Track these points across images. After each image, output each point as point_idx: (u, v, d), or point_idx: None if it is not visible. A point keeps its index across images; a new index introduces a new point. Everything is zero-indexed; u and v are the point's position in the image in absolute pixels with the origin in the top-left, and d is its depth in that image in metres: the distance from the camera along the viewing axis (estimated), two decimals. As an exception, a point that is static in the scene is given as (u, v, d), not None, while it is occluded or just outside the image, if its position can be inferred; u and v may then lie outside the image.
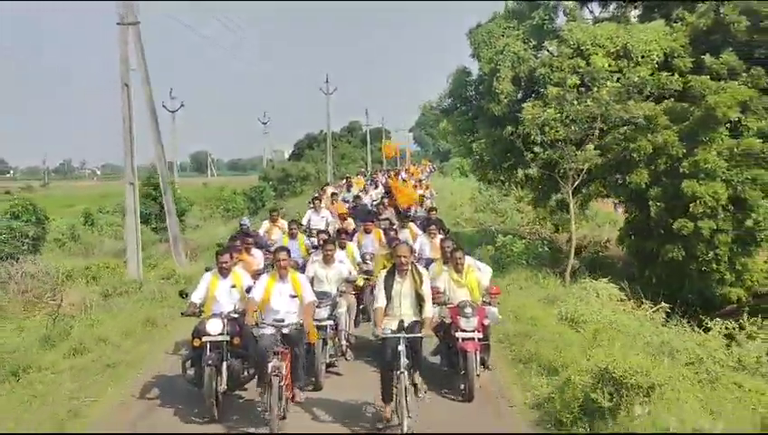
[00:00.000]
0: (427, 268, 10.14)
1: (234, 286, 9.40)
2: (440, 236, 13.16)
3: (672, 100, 17.14)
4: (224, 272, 9.47)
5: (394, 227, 16.17)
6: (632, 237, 18.04)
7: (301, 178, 54.84)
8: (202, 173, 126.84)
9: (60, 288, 16.12)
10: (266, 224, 16.69)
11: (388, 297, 8.28)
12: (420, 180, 34.96)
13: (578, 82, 16.38)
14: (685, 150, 16.44)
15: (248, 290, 9.26)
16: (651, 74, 16.87)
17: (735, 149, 16.29)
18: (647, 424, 7.04)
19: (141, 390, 10.02)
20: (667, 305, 14.24)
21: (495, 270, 16.87)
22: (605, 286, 15.32)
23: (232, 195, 43.92)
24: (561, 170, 16.92)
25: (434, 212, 18.15)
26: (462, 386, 9.27)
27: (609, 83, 15.97)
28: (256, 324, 8.42)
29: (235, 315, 9.13)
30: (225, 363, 8.85)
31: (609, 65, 16.75)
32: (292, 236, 14.42)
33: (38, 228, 22.35)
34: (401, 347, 7.86)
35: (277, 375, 8.03)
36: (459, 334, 9.33)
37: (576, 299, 14.12)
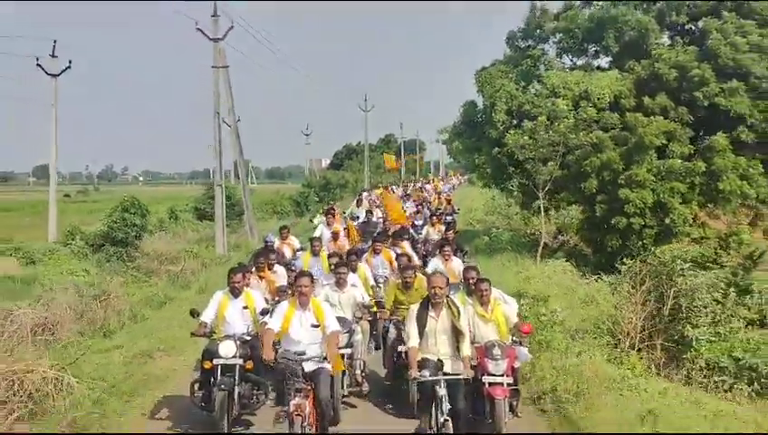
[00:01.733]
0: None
1: (245, 307, 9.22)
2: (457, 260, 13.04)
3: (616, 130, 23.72)
4: (235, 292, 9.28)
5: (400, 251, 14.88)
6: (585, 230, 24.65)
7: (340, 185, 61.75)
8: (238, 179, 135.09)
9: (179, 258, 23.32)
10: (276, 241, 16.38)
11: (422, 334, 7.78)
12: (440, 193, 37.85)
13: (545, 119, 22.98)
14: (623, 167, 23.02)
15: (263, 313, 9.11)
16: (598, 112, 23.51)
17: (661, 168, 22.86)
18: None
19: (153, 410, 9.98)
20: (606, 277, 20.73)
21: (487, 255, 23.82)
22: (561, 264, 21.91)
23: (280, 199, 51.16)
24: (535, 182, 23.64)
25: (450, 233, 18.26)
26: None
27: (566, 120, 22.62)
28: (275, 360, 7.84)
29: (248, 338, 8.99)
30: (237, 388, 8.67)
31: (568, 106, 23.36)
32: (314, 253, 13.80)
33: (143, 220, 29.51)
34: (442, 391, 7.43)
35: (299, 415, 7.41)
36: (486, 379, 8.51)
37: (540, 271, 20.74)
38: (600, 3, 26.75)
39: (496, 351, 8.53)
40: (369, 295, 11.30)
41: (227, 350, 8.71)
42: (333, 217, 18.50)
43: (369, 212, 23.18)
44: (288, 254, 15.59)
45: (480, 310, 8.99)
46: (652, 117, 23.26)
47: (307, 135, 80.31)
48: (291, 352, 7.88)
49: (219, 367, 8.68)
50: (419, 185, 41.44)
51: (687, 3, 25.77)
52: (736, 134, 23.09)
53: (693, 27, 26.25)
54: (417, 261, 14.53)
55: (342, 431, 8.36)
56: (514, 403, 8.95)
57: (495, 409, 8.23)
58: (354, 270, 11.75)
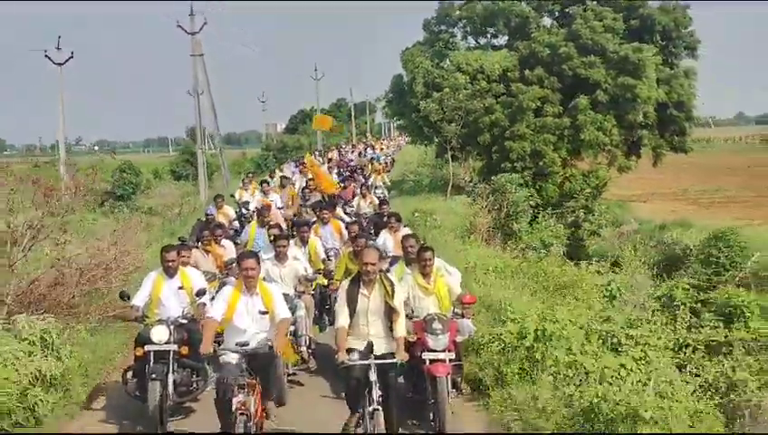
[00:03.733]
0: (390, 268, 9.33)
1: (181, 288, 8.81)
2: (404, 230, 12.63)
3: (503, 97, 31.66)
4: (170, 271, 8.84)
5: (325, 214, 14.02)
6: (484, 174, 32.66)
7: (296, 147, 69.03)
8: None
9: (173, 205, 30.91)
10: (212, 210, 16.10)
11: (352, 314, 7.17)
12: (372, 160, 37.58)
13: (449, 90, 30.76)
14: (508, 124, 31.00)
15: (199, 293, 8.71)
16: (489, 83, 31.40)
17: (537, 124, 30.90)
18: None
19: (87, 401, 9.60)
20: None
21: (410, 195, 31.65)
22: (462, 198, 29.83)
23: (244, 161, 58.63)
24: (445, 138, 31.49)
25: (386, 206, 16.86)
26: (432, 416, 8.04)
27: (465, 90, 30.49)
28: (215, 352, 7.24)
29: (184, 321, 8.55)
30: (171, 376, 8.24)
31: (467, 79, 31.18)
32: (261, 224, 13.45)
33: (137, 178, 36.81)
34: (373, 377, 6.92)
35: (244, 413, 6.87)
36: (427, 355, 7.99)
37: (444, 204, 28.62)
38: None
39: (436, 325, 8.07)
40: (321, 269, 11.04)
41: (160, 335, 8.31)
42: (268, 184, 19.83)
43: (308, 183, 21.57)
44: (224, 223, 15.12)
45: (421, 281, 8.50)
46: (531, 86, 31.24)
47: (263, 102, 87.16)
48: (233, 342, 7.29)
49: (152, 354, 8.27)
50: (369, 152, 42.65)
51: (560, -8, 33.73)
52: (594, 96, 31.14)
53: (564, 13, 34.11)
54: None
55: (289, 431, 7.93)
56: (458, 380, 8.65)
57: (438, 387, 7.74)
58: (305, 243, 11.56)
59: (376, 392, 6.91)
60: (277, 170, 27.10)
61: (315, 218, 14.62)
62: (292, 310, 8.99)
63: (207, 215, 15.35)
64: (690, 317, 10.75)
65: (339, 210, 15.87)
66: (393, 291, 7.28)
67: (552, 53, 31.63)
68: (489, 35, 35.27)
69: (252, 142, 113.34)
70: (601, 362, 8.47)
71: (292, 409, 8.51)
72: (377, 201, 19.18)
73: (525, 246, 19.98)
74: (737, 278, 17.70)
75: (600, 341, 9.40)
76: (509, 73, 32.16)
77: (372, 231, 14.83)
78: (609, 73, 31.11)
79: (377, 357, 7.04)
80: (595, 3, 32.68)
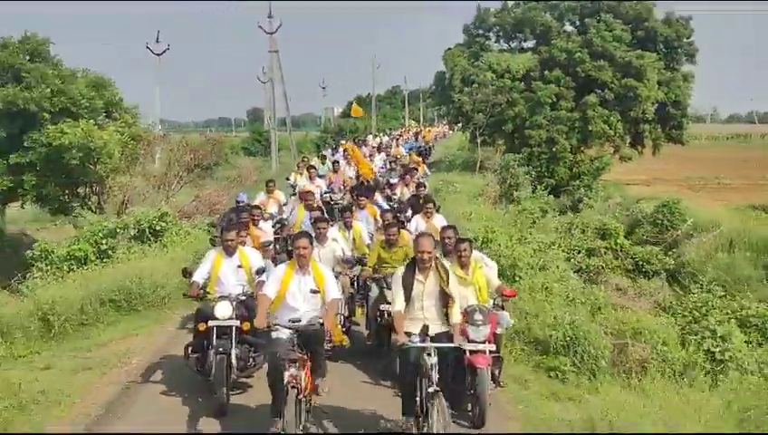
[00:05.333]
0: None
1: (240, 266, 9.05)
2: (439, 217, 12.99)
3: (525, 92, 38.40)
4: (229, 250, 9.09)
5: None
6: (506, 154, 39.44)
7: (351, 131, 76.40)
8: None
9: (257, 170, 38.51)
10: (262, 196, 16.27)
11: (408, 299, 7.32)
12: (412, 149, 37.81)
13: (478, 86, 37.68)
14: (528, 115, 37.79)
15: (258, 272, 8.94)
16: (512, 81, 38.17)
17: (552, 116, 37.59)
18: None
19: (144, 374, 9.83)
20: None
21: (444, 171, 38.57)
22: (487, 175, 36.70)
23: (305, 142, 66.29)
24: (475, 126, 38.41)
25: (422, 189, 17.08)
26: (470, 408, 8.22)
27: (490, 86, 37.36)
28: (269, 327, 7.40)
29: (243, 298, 8.80)
30: (233, 351, 8.44)
31: (494, 77, 38.00)
32: (308, 207, 13.45)
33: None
34: (433, 359, 6.96)
35: (295, 386, 7.12)
36: (467, 346, 7.81)
37: (470, 178, 35.53)
38: (520, 7, 41.14)
39: (478, 316, 8.14)
40: (365, 253, 11.21)
41: (223, 311, 8.54)
42: (316, 169, 20.07)
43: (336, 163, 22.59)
44: (274, 208, 15.51)
45: (459, 272, 8.53)
46: (549, 84, 37.95)
47: (323, 87, 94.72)
48: (285, 319, 7.49)
49: (215, 329, 8.50)
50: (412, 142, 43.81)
51: (579, 4, 40.23)
52: (602, 95, 37.77)
53: (582, 22, 40.63)
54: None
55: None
56: (497, 372, 8.81)
57: (478, 380, 7.82)
58: (349, 227, 11.78)
59: (435, 375, 6.89)
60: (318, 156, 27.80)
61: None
62: None
63: (238, 202, 15.22)
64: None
65: (378, 196, 16.06)
66: (448, 277, 7.35)
67: (568, 57, 38.29)
68: (518, 40, 41.91)
69: (308, 125, 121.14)
70: (518, 251, 15.25)
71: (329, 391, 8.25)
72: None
73: (524, 209, 26.82)
74: (675, 235, 24.47)
75: (524, 242, 16.33)
76: (531, 73, 38.89)
77: (410, 212, 14.89)
78: (616, 75, 37.68)
79: (432, 340, 7.10)
80: (609, 16, 39.07)
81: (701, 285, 14.80)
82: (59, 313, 12.00)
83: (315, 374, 7.75)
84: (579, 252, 16.22)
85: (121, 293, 13.01)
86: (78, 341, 11.84)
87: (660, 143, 40.44)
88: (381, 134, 47.21)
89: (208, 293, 8.90)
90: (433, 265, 7.34)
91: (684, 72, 40.42)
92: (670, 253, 20.59)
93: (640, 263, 18.55)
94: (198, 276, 9.00)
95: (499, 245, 15.49)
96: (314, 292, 7.65)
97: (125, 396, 9.24)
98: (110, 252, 15.31)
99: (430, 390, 6.91)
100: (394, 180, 21.15)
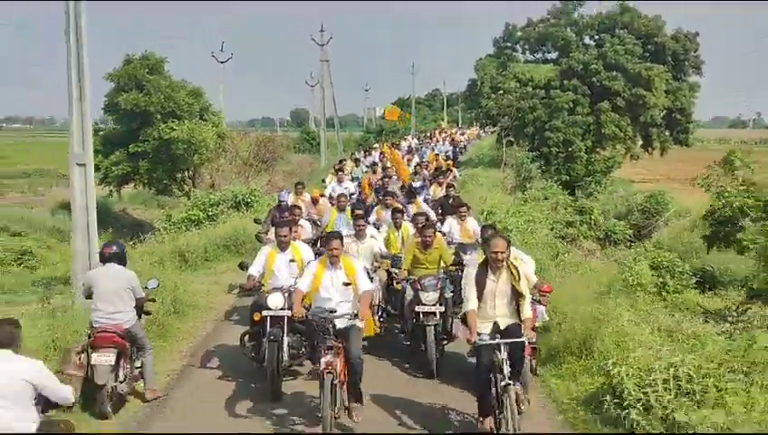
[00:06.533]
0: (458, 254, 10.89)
1: (292, 260, 9.59)
2: (471, 219, 13.61)
3: (545, 99, 43.93)
4: (283, 246, 9.68)
5: (399, 201, 14.95)
6: (531, 151, 44.95)
7: (392, 131, 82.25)
8: (299, 127, 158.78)
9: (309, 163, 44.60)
10: (291, 196, 16.47)
11: (480, 297, 7.70)
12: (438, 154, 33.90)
13: (503, 93, 43.38)
14: (547, 119, 43.33)
15: (309, 264, 9.08)
16: (534, 89, 43.73)
17: (569, 120, 43.07)
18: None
19: (202, 359, 10.87)
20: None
21: (472, 167, 44.27)
22: (508, 170, 42.30)
23: (348, 141, 72.35)
24: (501, 127, 44.03)
25: (452, 189, 18.16)
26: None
27: (513, 93, 43.00)
28: (305, 316, 8.12)
29: (294, 290, 8.83)
30: (285, 339, 9.07)
31: (517, 86, 43.64)
32: (340, 208, 14.22)
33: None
34: (503, 355, 7.45)
35: (330, 372, 7.64)
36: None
37: (495, 173, 41.17)
38: (544, 23, 46.71)
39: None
40: (399, 253, 11.72)
41: (276, 301, 9.18)
42: (343, 172, 21.04)
43: (386, 167, 22.99)
44: (304, 209, 15.44)
45: None
46: (567, 92, 43.44)
47: (367, 90, 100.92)
48: (322, 309, 8.06)
49: (268, 319, 9.18)
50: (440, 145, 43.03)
51: (597, 21, 45.66)
52: (615, 102, 43.20)
53: (600, 37, 46.03)
54: (434, 217, 14.57)
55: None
56: (534, 363, 9.62)
57: (523, 367, 8.21)
58: (398, 227, 12.32)
59: (507, 368, 7.35)
60: (349, 160, 28.25)
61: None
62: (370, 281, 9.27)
63: (281, 200, 15.60)
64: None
65: (420, 200, 16.32)
66: (519, 275, 7.69)
67: (585, 68, 43.81)
68: (541, 52, 47.57)
69: (351, 125, 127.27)
70: (512, 221, 20.79)
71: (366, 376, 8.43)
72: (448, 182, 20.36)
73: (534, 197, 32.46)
74: (661, 220, 30.00)
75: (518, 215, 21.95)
76: (552, 82, 44.44)
77: (440, 211, 15.75)
78: (627, 85, 43.06)
79: (503, 336, 7.54)
80: (623, 31, 44.47)
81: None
82: (191, 251, 18.04)
83: (351, 394, 8.18)
84: (559, 223, 21.93)
85: (231, 240, 19.06)
86: (205, 270, 17.88)
87: (668, 146, 45.80)
88: (411, 137, 51.85)
89: (263, 285, 9.58)
90: (505, 264, 7.73)
91: (690, 82, 45.68)
92: (643, 229, 26.26)
93: (609, 232, 24.35)
94: (254, 270, 9.64)
95: (497, 215, 21.19)
96: (347, 284, 8.22)
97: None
98: (214, 217, 21.43)
99: (503, 383, 7.37)
100: (417, 184, 20.93)
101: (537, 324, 9.32)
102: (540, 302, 9.58)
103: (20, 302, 14.74)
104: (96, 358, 8.38)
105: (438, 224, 13.79)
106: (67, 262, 17.09)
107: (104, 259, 9.10)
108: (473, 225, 13.20)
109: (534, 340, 9.07)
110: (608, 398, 8.14)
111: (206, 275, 17.27)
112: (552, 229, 21.70)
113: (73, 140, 12.68)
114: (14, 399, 5.92)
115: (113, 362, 8.42)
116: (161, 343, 11.21)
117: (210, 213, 21.50)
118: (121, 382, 8.79)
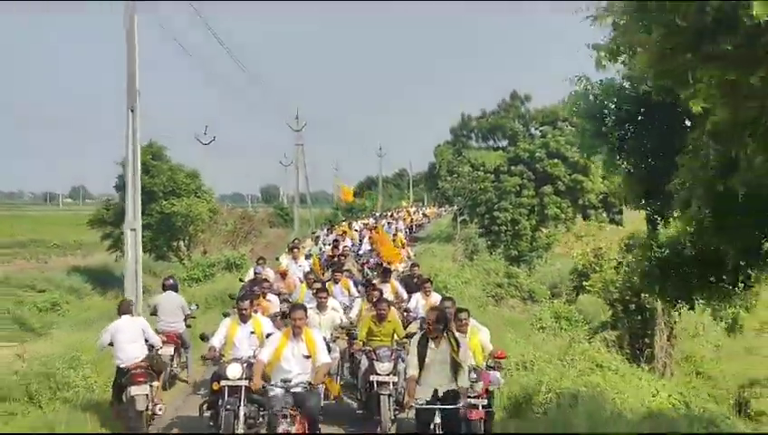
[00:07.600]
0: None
1: (253, 332, 10.11)
2: (436, 295, 14.17)
3: (495, 183, 49.84)
4: (243, 318, 10.23)
5: (373, 282, 15.37)
6: (482, 235, 50.50)
7: (361, 209, 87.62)
8: (269, 203, 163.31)
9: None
10: (259, 269, 17.25)
11: (422, 365, 8.14)
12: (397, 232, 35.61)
13: (457, 176, 49.39)
14: (496, 201, 49.16)
15: (269, 337, 9.57)
16: (484, 174, 49.74)
17: (516, 202, 48.97)
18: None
19: (165, 428, 11.32)
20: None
21: (428, 242, 49.80)
22: (458, 244, 47.81)
23: (320, 216, 77.77)
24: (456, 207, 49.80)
25: (416, 268, 18.54)
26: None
27: (466, 176, 48.98)
28: (263, 388, 8.46)
29: (254, 361, 9.26)
30: (242, 409, 9.39)
31: (470, 171, 49.64)
32: (309, 285, 14.66)
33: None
34: (437, 419, 7.95)
35: None
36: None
37: (448, 248, 46.72)
38: (495, 115, 53.13)
39: (473, 375, 9.12)
40: (352, 328, 12.38)
41: (234, 372, 9.55)
42: (298, 250, 21.13)
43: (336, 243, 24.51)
44: (272, 282, 16.34)
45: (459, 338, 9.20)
46: (514, 176, 49.44)
47: (336, 169, 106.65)
48: (278, 380, 8.47)
49: (226, 388, 9.51)
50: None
51: (541, 114, 52.07)
52: (557, 186, 49.26)
53: (543, 129, 52.40)
54: (405, 297, 14.88)
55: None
56: (489, 426, 9.92)
57: (472, 431, 8.95)
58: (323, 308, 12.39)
59: (439, 431, 7.95)
60: (309, 240, 29.41)
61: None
62: (329, 352, 9.86)
63: (256, 273, 16.68)
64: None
65: (393, 279, 16.10)
66: (459, 346, 8.15)
67: (531, 155, 50.00)
68: (492, 140, 53.95)
69: (321, 202, 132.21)
70: (451, 281, 26.05)
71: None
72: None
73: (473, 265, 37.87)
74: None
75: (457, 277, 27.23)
76: (501, 167, 50.49)
77: (406, 288, 15.96)
78: (567, 171, 49.23)
79: (441, 402, 8.03)
80: (564, 124, 50.90)
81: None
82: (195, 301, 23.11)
83: (308, 426, 8.63)
84: (492, 285, 27.34)
85: (225, 292, 24.15)
86: (208, 314, 22.93)
87: (603, 226, 51.82)
88: (370, 216, 56.02)
89: (223, 356, 10.01)
90: (446, 335, 8.16)
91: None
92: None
93: (531, 293, 29.91)
94: (215, 341, 10.12)
95: (440, 277, 26.49)
96: (306, 357, 8.61)
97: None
98: (209, 276, 26.59)
99: None
100: (373, 260, 23.60)
101: (491, 388, 9.95)
102: (495, 368, 10.06)
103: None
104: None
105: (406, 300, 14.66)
106: (92, 311, 22.09)
107: (165, 288, 14.38)
108: (436, 299, 13.50)
109: (487, 403, 9.64)
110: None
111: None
112: (483, 290, 27.08)
113: (129, 211, 17.64)
114: (138, 340, 11.00)
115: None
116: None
117: (206, 273, 26.63)
118: (175, 368, 13.81)
